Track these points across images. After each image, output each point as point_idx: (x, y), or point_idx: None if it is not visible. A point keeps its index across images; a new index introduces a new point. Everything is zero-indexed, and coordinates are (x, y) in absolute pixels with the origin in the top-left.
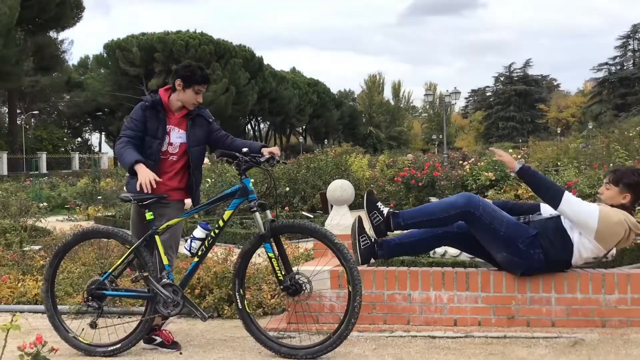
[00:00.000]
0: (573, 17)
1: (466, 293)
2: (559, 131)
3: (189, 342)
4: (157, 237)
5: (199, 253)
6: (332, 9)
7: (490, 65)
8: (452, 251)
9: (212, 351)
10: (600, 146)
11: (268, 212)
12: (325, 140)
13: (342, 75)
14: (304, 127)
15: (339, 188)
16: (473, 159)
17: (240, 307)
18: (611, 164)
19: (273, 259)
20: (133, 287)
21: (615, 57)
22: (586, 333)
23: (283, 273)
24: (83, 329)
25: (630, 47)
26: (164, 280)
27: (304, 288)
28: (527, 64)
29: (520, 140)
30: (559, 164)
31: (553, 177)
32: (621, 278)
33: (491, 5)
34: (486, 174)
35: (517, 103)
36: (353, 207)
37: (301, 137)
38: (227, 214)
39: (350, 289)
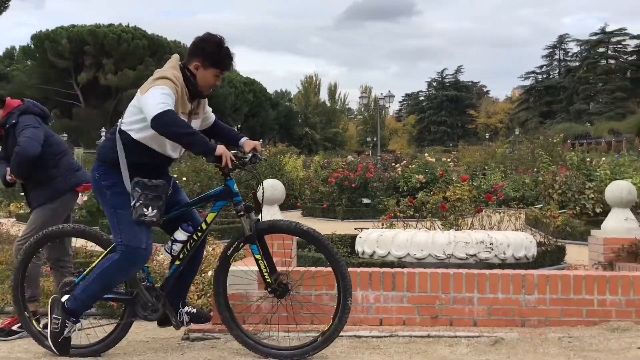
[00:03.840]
0: (502, 27)
1: (392, 293)
2: (487, 136)
3: None
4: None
5: (181, 256)
6: (270, 9)
7: (424, 71)
8: (380, 251)
9: (134, 354)
10: (525, 152)
11: (252, 213)
12: (261, 139)
13: (278, 75)
14: (239, 126)
15: (270, 188)
16: (405, 162)
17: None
18: (535, 169)
19: (260, 261)
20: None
21: (542, 66)
22: (506, 332)
23: (269, 275)
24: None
25: (556, 56)
26: (143, 283)
27: (290, 288)
28: (458, 70)
29: (450, 145)
30: (486, 168)
31: (480, 180)
32: (541, 279)
33: (426, 13)
34: (417, 176)
35: (448, 108)
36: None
37: None
38: (210, 216)
39: (340, 289)
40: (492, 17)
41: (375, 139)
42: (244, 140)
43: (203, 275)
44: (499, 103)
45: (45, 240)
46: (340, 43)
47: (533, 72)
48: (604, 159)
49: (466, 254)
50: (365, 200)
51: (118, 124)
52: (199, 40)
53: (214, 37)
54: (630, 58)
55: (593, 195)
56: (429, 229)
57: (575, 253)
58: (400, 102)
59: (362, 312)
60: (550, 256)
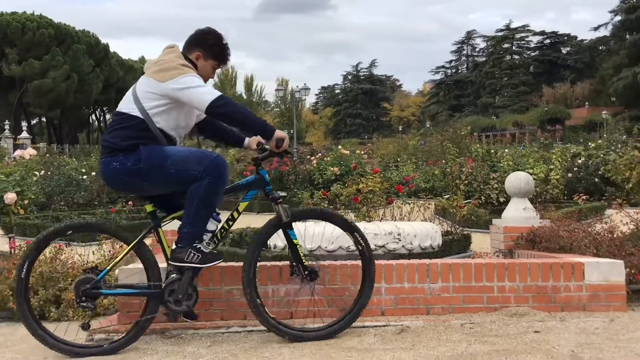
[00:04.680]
0: (414, 22)
1: (302, 285)
2: (400, 129)
3: (8, 348)
4: (160, 230)
5: (210, 247)
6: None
7: (339, 64)
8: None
9: (32, 358)
10: (435, 144)
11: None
12: None
13: None
14: None
15: None
16: (320, 154)
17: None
18: (444, 160)
19: (298, 246)
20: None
21: (451, 61)
22: (412, 320)
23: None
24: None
25: (465, 52)
26: (172, 275)
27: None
28: (372, 64)
29: (366, 137)
30: (399, 160)
31: (392, 172)
32: (444, 268)
33: (340, 8)
34: (332, 168)
35: (363, 101)
36: None
37: None
38: (242, 205)
39: (364, 278)
40: (404, 12)
41: (291, 132)
42: (248, 140)
43: (110, 273)
44: (411, 96)
45: (57, 236)
46: (257, 35)
47: (443, 66)
48: (507, 150)
49: (375, 245)
50: (281, 194)
51: (126, 110)
52: (202, 32)
53: (215, 31)
54: (533, 54)
55: (497, 186)
56: None
57: (480, 241)
58: (316, 95)
59: (274, 306)
60: (456, 245)
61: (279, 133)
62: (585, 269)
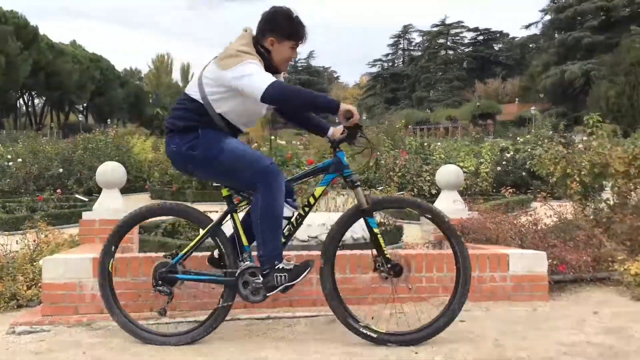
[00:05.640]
0: (353, 14)
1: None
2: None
3: None
4: (235, 215)
5: (286, 233)
6: None
7: None
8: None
9: None
10: (371, 136)
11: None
12: (109, 120)
13: (128, 52)
14: (85, 104)
15: (110, 170)
16: (256, 144)
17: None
18: (378, 153)
19: (379, 235)
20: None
21: (387, 55)
22: None
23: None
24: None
25: (401, 46)
26: (246, 262)
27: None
28: (310, 55)
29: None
30: None
31: None
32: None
33: None
34: None
35: None
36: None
37: (81, 116)
38: (318, 190)
39: (459, 267)
40: (343, 4)
41: None
42: (332, 130)
43: (34, 264)
44: (348, 89)
45: (140, 219)
46: (194, 23)
47: (380, 59)
48: (439, 143)
49: (308, 237)
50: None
51: (189, 92)
52: (268, 16)
53: (282, 8)
54: (467, 50)
55: (429, 178)
56: None
57: (413, 233)
58: None
59: (205, 297)
60: (389, 236)
61: (344, 105)
62: (510, 260)
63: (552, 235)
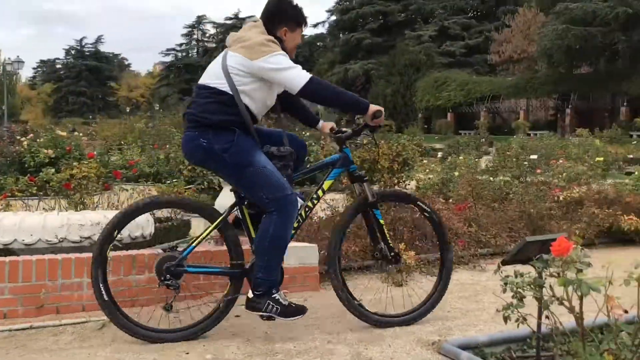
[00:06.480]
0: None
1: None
2: (128, 110)
3: None
4: (245, 208)
5: (295, 225)
6: None
7: (62, 37)
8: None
9: None
10: (163, 128)
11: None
12: None
13: None
14: None
15: None
16: (32, 135)
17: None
18: (168, 145)
19: (384, 226)
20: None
21: (182, 44)
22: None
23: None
24: None
25: (195, 36)
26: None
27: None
28: (99, 40)
29: (90, 117)
30: (123, 142)
31: (117, 155)
32: (150, 258)
33: None
34: (45, 151)
35: (88, 78)
36: None
37: None
38: (326, 184)
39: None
40: None
41: (2, 108)
42: (322, 124)
43: None
44: (140, 77)
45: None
46: None
47: (174, 49)
48: None
49: (80, 237)
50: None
51: (214, 85)
52: (275, 7)
53: None
54: None
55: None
56: (53, 209)
57: (201, 227)
58: (34, 68)
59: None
60: (175, 232)
61: (374, 107)
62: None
63: (324, 229)
